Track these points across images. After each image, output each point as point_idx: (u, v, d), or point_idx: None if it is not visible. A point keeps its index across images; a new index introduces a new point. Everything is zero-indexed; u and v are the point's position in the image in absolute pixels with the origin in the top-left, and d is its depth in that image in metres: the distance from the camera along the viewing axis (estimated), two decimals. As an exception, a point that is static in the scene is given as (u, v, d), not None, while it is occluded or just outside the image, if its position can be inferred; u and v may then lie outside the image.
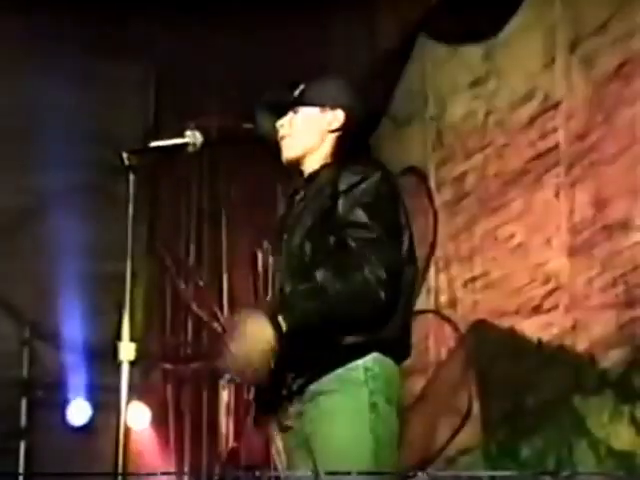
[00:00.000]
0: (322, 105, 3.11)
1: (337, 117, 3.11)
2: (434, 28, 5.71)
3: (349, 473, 2.80)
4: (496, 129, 5.21)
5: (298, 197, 3.12)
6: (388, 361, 2.96)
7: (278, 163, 3.23)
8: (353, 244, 2.89)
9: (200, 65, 6.84)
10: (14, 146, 6.39)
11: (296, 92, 3.14)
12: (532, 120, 4.91)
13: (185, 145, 3.01)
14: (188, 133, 3.01)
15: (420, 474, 3.83)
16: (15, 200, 6.46)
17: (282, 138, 3.13)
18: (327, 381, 2.92)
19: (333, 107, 3.12)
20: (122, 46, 6.66)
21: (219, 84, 6.87)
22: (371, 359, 2.92)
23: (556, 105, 4.75)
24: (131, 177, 2.88)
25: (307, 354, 2.93)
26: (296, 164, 3.13)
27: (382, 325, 2.92)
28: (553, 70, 4.78)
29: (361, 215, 2.92)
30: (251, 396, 3.10)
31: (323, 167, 3.09)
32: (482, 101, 5.33)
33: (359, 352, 2.92)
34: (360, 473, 2.80)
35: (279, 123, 3.13)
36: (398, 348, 2.99)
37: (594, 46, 4.51)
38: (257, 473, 3.10)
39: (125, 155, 2.88)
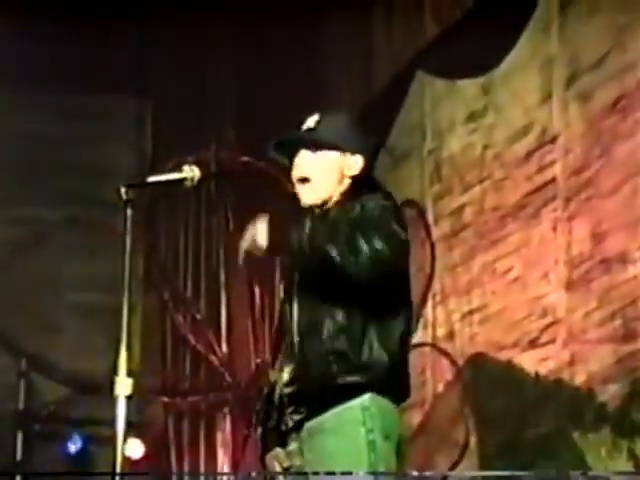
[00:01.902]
0: (343, 149, 3.09)
1: (357, 163, 3.10)
2: (432, 63, 5.74)
3: (350, 473, 2.82)
4: (494, 163, 5.23)
5: (307, 229, 3.07)
6: (385, 400, 2.95)
7: (275, 197, 3.24)
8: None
9: (196, 98, 6.87)
10: (11, 178, 6.41)
11: (311, 123, 3.10)
12: (529, 154, 4.92)
13: (183, 180, 3.01)
14: (186, 168, 3.01)
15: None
16: (12, 232, 6.47)
17: (302, 180, 3.08)
18: (325, 420, 2.92)
19: (353, 151, 3.10)
20: (119, 80, 6.70)
21: (216, 117, 6.90)
22: (368, 398, 2.92)
23: (553, 139, 4.76)
24: (128, 211, 2.88)
25: (305, 390, 2.94)
26: (315, 206, 3.10)
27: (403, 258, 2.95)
28: (550, 104, 4.80)
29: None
30: (256, 435, 3.11)
31: (334, 206, 3.08)
32: (480, 135, 5.35)
33: (357, 390, 2.92)
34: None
35: (298, 160, 3.09)
36: (396, 388, 2.99)
37: (590, 81, 4.53)
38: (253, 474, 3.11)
39: (123, 189, 2.89)
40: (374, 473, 2.86)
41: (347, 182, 3.09)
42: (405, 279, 3.08)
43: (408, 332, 3.04)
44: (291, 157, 3.11)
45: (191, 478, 6.87)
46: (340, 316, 2.95)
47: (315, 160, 3.07)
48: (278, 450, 3.02)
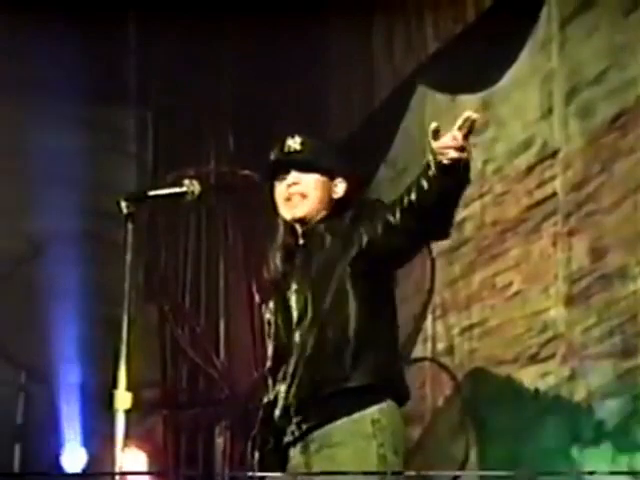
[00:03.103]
0: (331, 175, 3.27)
1: (341, 186, 3.30)
2: (432, 77, 5.75)
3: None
4: (494, 177, 5.23)
5: (299, 250, 3.18)
6: (393, 410, 2.97)
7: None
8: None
9: (197, 112, 6.87)
10: (11, 191, 6.41)
11: (296, 145, 3.21)
12: (530, 169, 4.93)
13: (183, 194, 3.03)
14: (186, 182, 3.03)
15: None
16: (11, 245, 6.47)
17: (299, 195, 3.23)
18: (333, 432, 2.92)
19: (337, 176, 3.29)
20: (120, 93, 6.71)
21: (216, 131, 6.91)
22: (377, 410, 2.94)
23: (554, 154, 4.77)
24: (129, 225, 2.89)
25: (313, 398, 2.94)
26: (305, 221, 3.22)
27: None
28: (550, 120, 4.80)
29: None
30: (254, 460, 3.11)
31: (318, 223, 3.23)
32: (480, 149, 5.35)
33: (364, 396, 2.93)
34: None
35: (292, 179, 3.20)
36: (400, 389, 3.02)
37: (591, 97, 4.54)
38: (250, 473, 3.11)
39: (124, 203, 2.90)
40: (380, 473, 2.87)
41: (330, 205, 3.26)
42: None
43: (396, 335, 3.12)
44: (275, 177, 3.28)
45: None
46: (351, 318, 2.99)
47: (309, 180, 3.24)
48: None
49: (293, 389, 3.01)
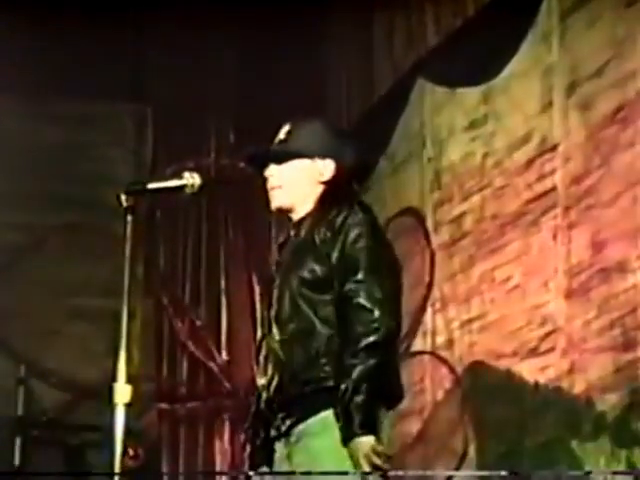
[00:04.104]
0: (311, 156, 3.13)
1: (328, 167, 3.15)
2: (432, 70, 5.75)
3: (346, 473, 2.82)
4: (494, 171, 5.22)
5: (287, 246, 3.15)
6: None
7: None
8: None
9: (197, 105, 6.87)
10: (10, 183, 6.41)
11: (282, 135, 3.16)
12: (530, 162, 4.92)
13: (183, 187, 3.02)
14: (186, 175, 3.02)
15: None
16: (11, 237, 6.47)
17: (272, 188, 3.15)
18: (312, 422, 2.92)
19: (323, 156, 3.14)
20: (119, 86, 6.70)
21: (216, 124, 6.90)
22: None
23: (554, 148, 4.76)
24: (129, 218, 2.89)
25: (295, 394, 2.95)
26: (286, 212, 3.16)
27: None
28: (550, 113, 4.80)
29: (357, 263, 2.95)
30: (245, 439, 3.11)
31: (310, 214, 3.12)
32: (480, 143, 5.35)
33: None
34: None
35: (268, 173, 3.15)
36: (390, 389, 2.99)
37: (591, 90, 4.53)
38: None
39: (123, 196, 2.89)
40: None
41: (320, 188, 3.14)
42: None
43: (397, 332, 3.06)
44: (262, 170, 3.19)
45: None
46: (331, 319, 2.97)
47: (283, 170, 3.14)
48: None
49: (274, 384, 3.00)
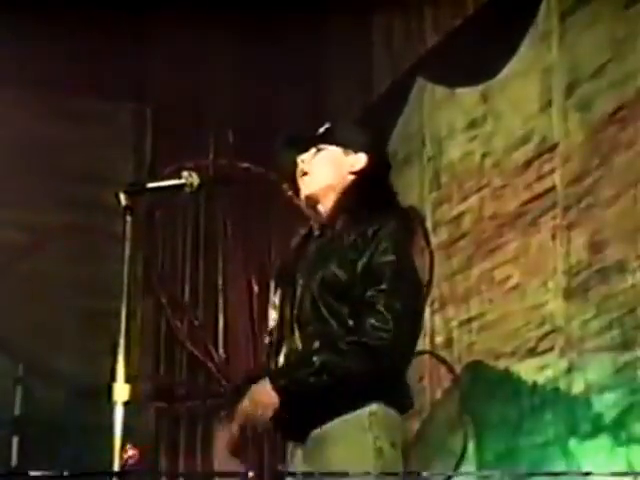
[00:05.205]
0: (345, 146, 3.12)
1: (359, 160, 3.13)
2: (431, 70, 5.75)
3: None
4: (493, 171, 5.23)
5: (313, 240, 3.10)
6: (390, 408, 2.94)
7: (274, 203, 3.26)
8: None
9: (196, 104, 6.87)
10: (10, 182, 6.40)
11: (320, 130, 3.15)
12: (529, 162, 4.93)
13: (182, 186, 3.01)
14: (185, 174, 3.02)
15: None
16: (10, 237, 6.46)
17: (302, 174, 3.13)
18: (331, 427, 2.90)
19: (356, 149, 3.12)
20: (119, 85, 6.70)
21: (215, 123, 6.90)
22: (375, 404, 2.91)
23: (553, 148, 4.76)
24: (128, 217, 2.88)
25: (311, 398, 2.92)
26: (314, 202, 3.12)
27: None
28: (550, 113, 4.80)
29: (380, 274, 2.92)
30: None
31: (340, 211, 3.07)
32: (479, 143, 5.35)
33: (364, 398, 2.91)
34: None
35: (300, 158, 3.13)
36: (401, 396, 2.98)
37: (590, 90, 4.53)
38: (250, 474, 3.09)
39: (122, 195, 2.89)
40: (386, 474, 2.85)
41: (349, 178, 3.11)
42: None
43: (414, 341, 3.03)
44: (295, 157, 3.17)
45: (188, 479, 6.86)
46: (348, 325, 2.94)
47: (316, 156, 3.12)
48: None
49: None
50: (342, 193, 3.08)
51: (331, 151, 3.12)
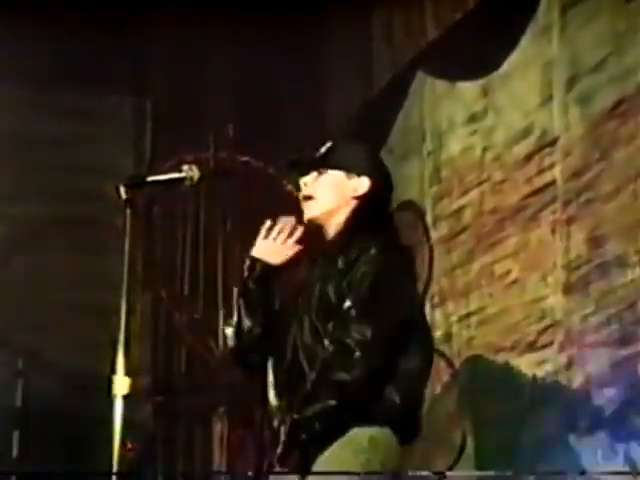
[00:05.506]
0: (348, 170, 3.12)
1: (362, 184, 3.14)
2: (432, 64, 5.74)
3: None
4: (493, 165, 5.22)
5: (318, 263, 3.10)
6: (392, 435, 2.95)
7: (274, 196, 3.27)
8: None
9: (196, 98, 6.87)
10: (10, 176, 6.40)
11: (322, 149, 3.16)
12: (529, 156, 4.92)
13: (182, 179, 3.02)
14: (185, 168, 3.02)
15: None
16: (9, 230, 6.46)
17: (305, 198, 3.14)
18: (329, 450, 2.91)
19: (359, 173, 3.12)
20: (119, 79, 6.70)
21: (215, 117, 6.89)
22: (378, 428, 2.92)
23: (553, 142, 4.76)
24: (128, 211, 2.88)
25: (313, 426, 2.93)
26: (317, 225, 3.13)
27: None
28: (550, 107, 4.79)
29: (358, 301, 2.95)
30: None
31: (341, 231, 3.09)
32: (479, 137, 5.35)
33: (367, 421, 2.92)
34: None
35: (303, 181, 3.14)
36: (408, 427, 2.99)
37: (591, 84, 4.53)
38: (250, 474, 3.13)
39: (122, 189, 2.89)
40: (371, 473, 2.86)
41: (353, 203, 3.11)
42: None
43: (426, 372, 3.04)
44: (298, 179, 3.20)
45: (188, 477, 6.87)
46: (357, 351, 2.93)
47: (319, 180, 3.14)
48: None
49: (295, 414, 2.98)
50: (346, 219, 3.10)
51: (334, 175, 3.13)
